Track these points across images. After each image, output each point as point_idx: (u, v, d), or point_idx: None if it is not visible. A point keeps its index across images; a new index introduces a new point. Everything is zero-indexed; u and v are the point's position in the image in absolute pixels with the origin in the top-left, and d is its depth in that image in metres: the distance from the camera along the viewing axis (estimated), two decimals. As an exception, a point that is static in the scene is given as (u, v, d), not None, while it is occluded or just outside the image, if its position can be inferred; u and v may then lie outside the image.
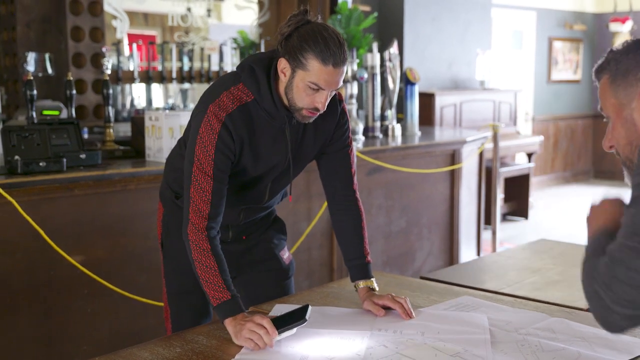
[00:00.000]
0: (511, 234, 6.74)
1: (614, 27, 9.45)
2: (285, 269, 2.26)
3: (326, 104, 1.86)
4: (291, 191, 2.17)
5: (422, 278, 2.53)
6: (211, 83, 2.07)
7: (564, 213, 7.78)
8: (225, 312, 1.81)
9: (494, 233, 5.31)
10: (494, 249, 5.23)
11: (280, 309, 1.99)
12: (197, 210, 1.86)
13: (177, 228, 2.12)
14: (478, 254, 5.04)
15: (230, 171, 1.91)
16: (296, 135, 1.98)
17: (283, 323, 1.75)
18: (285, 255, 2.28)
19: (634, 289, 1.20)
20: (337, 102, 2.02)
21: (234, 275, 2.20)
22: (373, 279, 2.05)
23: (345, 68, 1.84)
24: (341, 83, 1.86)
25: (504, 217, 7.43)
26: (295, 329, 1.75)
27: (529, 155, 7.65)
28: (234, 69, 1.98)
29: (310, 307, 1.79)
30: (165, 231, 2.20)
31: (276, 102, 1.88)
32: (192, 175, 1.86)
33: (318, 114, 1.89)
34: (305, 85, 1.82)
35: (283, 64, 1.84)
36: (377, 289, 2.04)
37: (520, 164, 7.54)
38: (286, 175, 2.05)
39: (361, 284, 2.03)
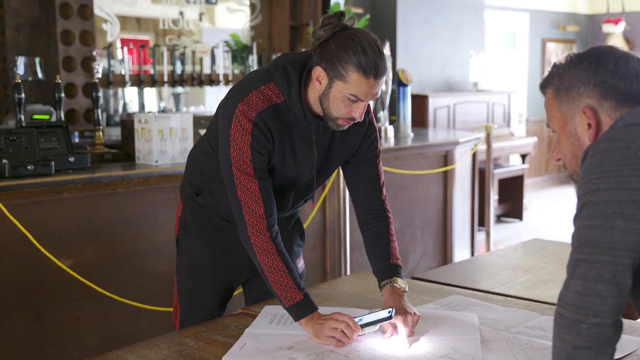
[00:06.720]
0: (505, 235, 6.72)
1: (606, 28, 9.46)
2: None
3: (363, 114, 1.81)
4: (314, 199, 2.15)
5: (413, 278, 2.52)
6: (238, 80, 2.01)
7: (559, 214, 7.77)
8: (299, 312, 1.79)
9: (487, 234, 5.29)
10: (488, 250, 5.21)
11: (269, 310, 1.98)
12: (252, 212, 1.81)
13: (196, 225, 2.12)
14: (472, 255, 5.03)
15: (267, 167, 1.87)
16: (323, 143, 1.93)
17: (365, 321, 1.75)
18: (300, 264, 2.24)
19: (593, 297, 1.22)
20: (365, 112, 1.94)
21: (247, 277, 2.19)
22: (398, 278, 1.92)
23: (385, 77, 1.79)
24: (380, 93, 1.81)
25: (498, 219, 7.42)
26: (377, 326, 1.76)
27: (523, 157, 7.64)
28: (266, 67, 1.91)
29: (394, 310, 1.78)
30: (182, 227, 2.16)
31: (304, 108, 1.82)
32: (234, 177, 1.81)
33: (353, 122, 1.84)
34: (343, 97, 1.75)
35: (319, 72, 1.76)
36: (404, 289, 1.91)
37: (514, 165, 7.53)
38: (310, 183, 2.01)
39: (385, 282, 1.92)
